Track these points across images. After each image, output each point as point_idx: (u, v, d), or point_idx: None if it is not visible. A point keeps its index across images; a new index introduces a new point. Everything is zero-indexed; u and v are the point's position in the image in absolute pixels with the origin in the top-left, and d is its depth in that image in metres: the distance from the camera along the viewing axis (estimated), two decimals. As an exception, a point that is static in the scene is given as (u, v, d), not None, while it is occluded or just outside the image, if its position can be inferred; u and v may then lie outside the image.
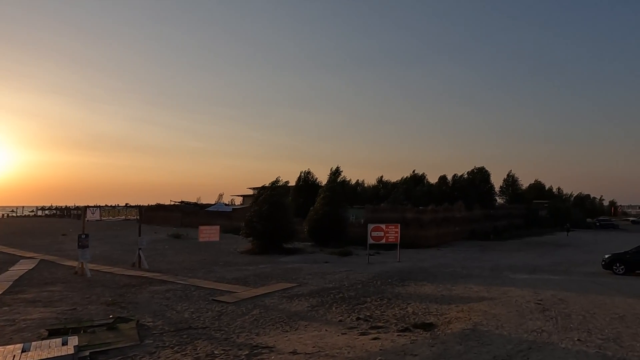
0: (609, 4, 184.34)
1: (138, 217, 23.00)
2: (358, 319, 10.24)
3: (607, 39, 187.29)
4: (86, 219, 19.23)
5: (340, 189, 33.38)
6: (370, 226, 23.06)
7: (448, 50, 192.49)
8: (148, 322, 10.24)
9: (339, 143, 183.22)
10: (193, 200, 59.54)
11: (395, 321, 9.77)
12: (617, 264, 18.13)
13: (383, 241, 23.10)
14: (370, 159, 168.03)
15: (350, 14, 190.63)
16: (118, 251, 26.19)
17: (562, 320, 8.61)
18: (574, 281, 15.42)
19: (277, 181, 28.62)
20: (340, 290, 14.54)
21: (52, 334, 8.58)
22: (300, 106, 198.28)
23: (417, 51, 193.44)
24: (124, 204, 68.65)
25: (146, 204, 62.31)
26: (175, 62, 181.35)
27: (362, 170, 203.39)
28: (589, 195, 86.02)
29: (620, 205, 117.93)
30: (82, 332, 8.84)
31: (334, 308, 11.70)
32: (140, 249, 20.07)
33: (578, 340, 7.17)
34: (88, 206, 19.73)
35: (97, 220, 20.15)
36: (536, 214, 54.62)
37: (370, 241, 22.87)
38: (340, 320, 10.21)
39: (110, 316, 10.55)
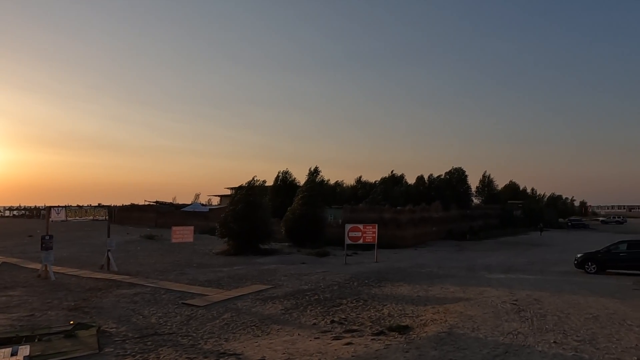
0: (579, 11, 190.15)
1: (106, 217, 21.99)
2: (332, 322, 9.94)
3: (580, 44, 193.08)
4: (50, 219, 18.33)
5: (318, 189, 33.09)
6: (348, 226, 22.85)
7: (424, 54, 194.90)
8: (111, 328, 9.69)
9: (319, 144, 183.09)
10: (168, 200, 58.34)
11: (370, 324, 9.50)
12: (589, 263, 18.40)
13: (360, 241, 22.91)
14: (349, 159, 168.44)
15: (328, 16, 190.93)
16: (87, 253, 25.24)
17: (538, 322, 8.51)
18: (548, 281, 15.52)
19: (253, 181, 28.11)
20: (316, 291, 14.23)
21: (3, 343, 7.95)
22: (279, 106, 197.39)
23: (394, 54, 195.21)
24: (96, 204, 66.66)
25: (120, 204, 60.69)
26: (152, 60, 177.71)
27: (342, 171, 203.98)
28: (561, 195, 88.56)
29: (590, 206, 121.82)
30: (36, 340, 8.24)
31: (308, 311, 11.37)
32: (109, 250, 19.30)
33: (554, 342, 7.05)
34: (52, 206, 18.82)
35: (62, 221, 19.21)
36: (511, 214, 55.65)
37: (348, 241, 22.66)
38: (314, 324, 9.88)
39: (71, 322, 9.94)
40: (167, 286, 15.05)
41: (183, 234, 23.85)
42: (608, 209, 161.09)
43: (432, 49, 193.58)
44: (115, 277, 16.89)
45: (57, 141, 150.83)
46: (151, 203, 53.81)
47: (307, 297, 13.31)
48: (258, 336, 9.09)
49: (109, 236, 20.05)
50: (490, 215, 52.16)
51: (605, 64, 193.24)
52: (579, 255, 19.13)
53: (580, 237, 43.98)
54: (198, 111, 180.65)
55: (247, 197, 26.97)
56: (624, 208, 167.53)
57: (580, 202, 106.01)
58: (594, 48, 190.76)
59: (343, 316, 10.61)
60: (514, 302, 10.66)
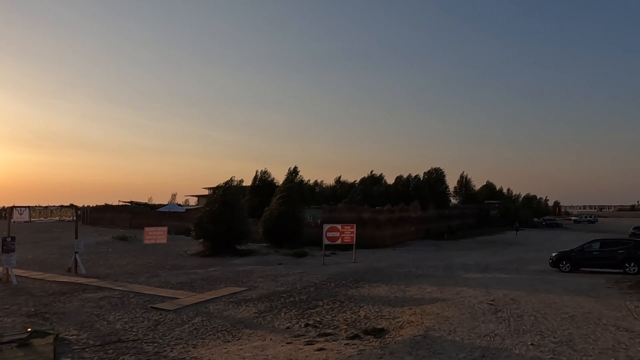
0: (557, 13, 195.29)
1: (74, 217, 21.11)
2: (307, 325, 9.61)
3: (555, 48, 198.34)
4: (12, 220, 17.41)
5: (297, 189, 32.71)
6: (326, 226, 22.55)
7: (407, 54, 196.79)
8: (71, 336, 9.13)
9: (300, 144, 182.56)
10: (144, 200, 56.95)
11: (345, 327, 9.21)
12: (564, 262, 18.59)
13: (339, 242, 22.65)
14: (330, 160, 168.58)
15: (314, 15, 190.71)
16: (55, 255, 24.19)
17: (515, 322, 8.37)
18: (524, 280, 15.56)
19: (230, 180, 27.52)
20: (292, 293, 13.87)
21: (-53, 354, 7.33)
22: (260, 106, 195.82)
23: (377, 54, 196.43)
24: (68, 204, 64.48)
25: (94, 205, 58.88)
26: (129, 57, 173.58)
27: (321, 171, 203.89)
28: (535, 195, 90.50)
29: (563, 206, 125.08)
30: (-15, 350, 7.63)
31: (282, 313, 11.00)
32: (76, 252, 18.48)
33: (532, 344, 6.89)
34: (15, 206, 17.88)
35: (25, 222, 18.29)
36: (488, 213, 56.45)
37: (326, 242, 22.37)
38: (287, 327, 9.53)
39: (28, 329, 9.31)
40: (136, 289, 14.45)
41: (156, 235, 23.11)
42: (580, 208, 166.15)
43: (413, 50, 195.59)
44: (82, 280, 16.15)
45: (28, 140, 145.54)
46: (125, 203, 52.40)
47: (282, 299, 12.95)
48: (228, 342, 8.68)
49: (76, 237, 19.21)
50: (468, 215, 52.79)
51: (578, 71, 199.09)
52: (553, 255, 19.32)
53: (554, 236, 44.88)
54: (175, 110, 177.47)
55: (224, 197, 26.39)
56: (595, 208, 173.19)
57: (554, 202, 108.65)
58: (572, 54, 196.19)
59: (318, 319, 10.29)
60: (491, 302, 10.55)
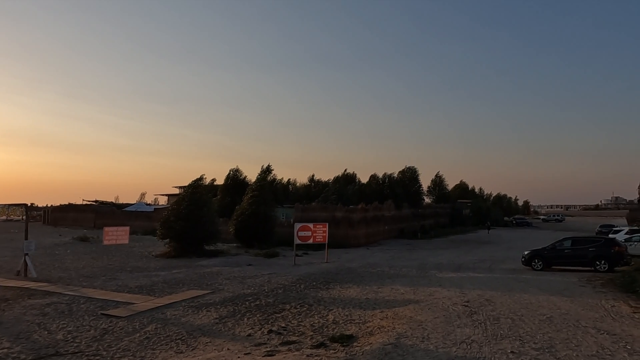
0: (516, 18, 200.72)
1: (23, 217, 19.62)
2: (270, 332, 8.84)
3: (524, 53, 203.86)
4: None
5: (269, 188, 31.81)
6: (297, 225, 21.80)
7: (382, 57, 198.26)
8: (2, 349, 8.05)
9: (273, 143, 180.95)
10: (110, 199, 54.69)
11: (311, 333, 8.49)
12: (536, 260, 18.47)
13: (310, 241, 21.94)
14: (304, 159, 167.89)
15: (285, 16, 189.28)
16: (6, 257, 22.51)
17: (492, 326, 7.86)
18: (497, 279, 15.25)
19: (200, 179, 26.34)
20: (258, 296, 13.07)
21: None
22: (233, 105, 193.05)
23: (349, 57, 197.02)
24: (29, 204, 61.39)
25: (58, 204, 56.15)
26: (101, 53, 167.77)
27: (296, 171, 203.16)
28: (506, 195, 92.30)
29: (532, 205, 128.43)
30: None
31: (245, 319, 10.19)
32: (26, 254, 17.07)
33: (511, 352, 6.36)
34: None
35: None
36: (460, 212, 56.97)
37: (297, 241, 21.61)
38: (249, 335, 8.73)
39: (-49, 344, 8.18)
40: (89, 294, 13.32)
41: (117, 235, 21.82)
42: (547, 208, 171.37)
43: (389, 53, 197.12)
44: (31, 284, 14.85)
45: None
46: (90, 203, 50.10)
47: (247, 302, 12.13)
48: (181, 352, 7.82)
49: (26, 238, 17.78)
50: (441, 214, 53.08)
51: (545, 74, 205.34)
52: (526, 253, 19.20)
53: (524, 235, 45.57)
54: (146, 109, 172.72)
55: (192, 195, 25.26)
56: (561, 207, 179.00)
57: (524, 201, 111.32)
58: (537, 57, 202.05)
59: (283, 324, 9.53)
60: (466, 304, 10.06)
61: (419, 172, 49.07)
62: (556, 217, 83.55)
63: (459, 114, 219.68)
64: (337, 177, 45.03)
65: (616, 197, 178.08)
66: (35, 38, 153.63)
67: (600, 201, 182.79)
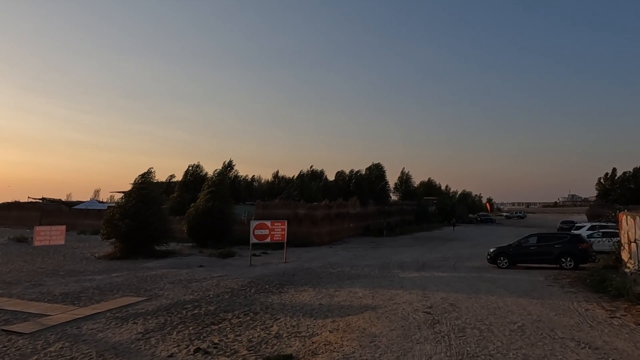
0: (493, 20, 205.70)
1: None
2: (197, 350, 7.38)
3: (491, 50, 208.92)
4: None
5: (226, 183, 30.03)
6: (253, 223, 20.28)
7: (352, 54, 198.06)
8: None
9: (240, 142, 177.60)
10: (59, 197, 51.07)
11: (245, 352, 7.11)
12: (501, 258, 17.77)
13: (268, 240, 20.47)
14: (271, 158, 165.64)
15: (261, 10, 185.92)
16: None
17: (457, 340, 6.71)
18: (462, 279, 14.33)
19: (148, 172, 24.29)
20: (200, 303, 11.55)
21: None
22: (195, 101, 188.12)
23: (323, 52, 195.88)
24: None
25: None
26: (56, 44, 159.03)
27: (263, 170, 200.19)
28: (470, 192, 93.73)
29: (495, 202, 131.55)
30: None
31: (175, 333, 8.66)
32: None
33: (480, 377, 5.21)
34: None
35: None
36: (426, 209, 56.79)
37: (254, 240, 20.11)
38: (170, 356, 7.24)
39: None
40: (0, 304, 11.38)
41: (50, 236, 19.73)
42: (509, 205, 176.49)
43: (358, 50, 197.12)
44: None
45: None
46: (36, 200, 46.50)
47: (184, 311, 10.59)
48: (77, 382, 6.24)
49: None
50: (407, 211, 52.65)
51: (504, 73, 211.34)
52: (491, 250, 18.48)
53: (488, 232, 45.71)
54: (111, 103, 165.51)
55: (140, 191, 23.24)
56: (522, 205, 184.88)
57: (487, 199, 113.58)
58: (503, 54, 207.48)
59: (217, 340, 8.09)
60: (428, 310, 8.93)
61: (386, 169, 48.42)
62: (518, 214, 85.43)
63: (427, 114, 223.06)
64: (302, 173, 43.60)
65: (572, 195, 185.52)
66: None
67: (558, 199, 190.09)
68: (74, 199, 52.09)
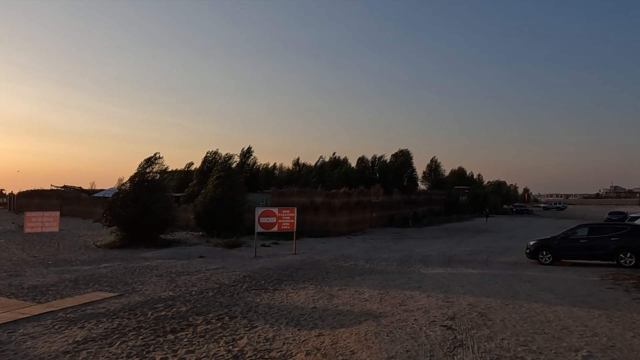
0: (513, 12, 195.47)
1: None
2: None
3: (526, 39, 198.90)
4: None
5: (236, 169, 28.25)
6: (259, 210, 18.30)
7: (378, 46, 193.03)
8: None
9: (266, 132, 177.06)
10: (84, 185, 50.97)
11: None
12: (544, 252, 15.09)
13: (275, 229, 18.47)
14: (298, 148, 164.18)
15: (286, 2, 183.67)
16: None
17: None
18: (496, 277, 11.84)
19: (154, 157, 22.67)
20: (175, 302, 9.68)
21: None
22: (232, 93, 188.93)
23: (351, 44, 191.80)
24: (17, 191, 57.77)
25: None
26: (95, 40, 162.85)
27: (289, 160, 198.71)
28: (504, 182, 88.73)
29: (531, 193, 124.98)
30: None
31: (116, 345, 6.75)
32: None
33: None
34: None
35: None
36: (457, 199, 53.45)
37: (259, 229, 18.16)
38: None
39: None
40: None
41: (42, 222, 18.44)
42: (547, 196, 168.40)
43: (388, 40, 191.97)
44: None
45: None
46: (57, 188, 46.48)
47: (150, 312, 8.73)
48: None
49: None
50: (436, 201, 49.54)
51: (545, 64, 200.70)
52: (531, 243, 15.79)
53: (525, 223, 42.23)
54: (142, 97, 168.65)
55: (143, 176, 21.73)
56: (561, 196, 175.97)
57: (524, 189, 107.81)
58: (538, 49, 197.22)
59: (163, 355, 6.10)
60: (449, 323, 6.63)
61: (413, 156, 45.49)
62: (557, 204, 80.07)
63: (460, 102, 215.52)
64: (323, 160, 41.36)
65: (615, 186, 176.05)
66: (32, 27, 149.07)
67: (600, 190, 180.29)
68: (97, 187, 51.96)
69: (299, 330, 7.07)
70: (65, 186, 46.88)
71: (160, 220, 21.45)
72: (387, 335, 5.93)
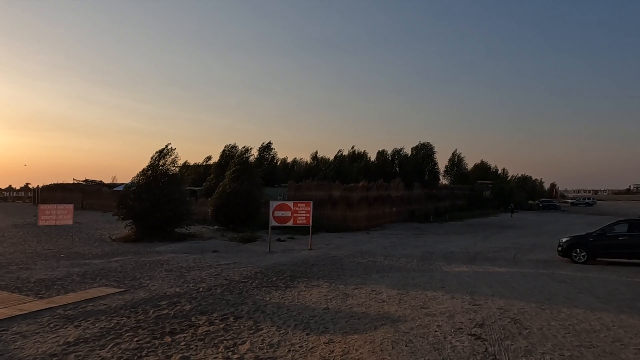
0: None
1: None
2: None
3: (558, 33, 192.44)
4: None
5: (254, 164, 27.74)
6: (273, 204, 17.68)
7: (403, 38, 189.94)
8: None
9: (290, 127, 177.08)
10: (106, 180, 51.58)
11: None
12: (578, 250, 13.98)
13: (290, 223, 17.83)
14: (323, 145, 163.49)
15: (302, 1, 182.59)
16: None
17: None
18: (526, 277, 10.88)
19: (166, 149, 22.33)
20: (180, 299, 9.14)
21: None
22: (250, 89, 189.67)
23: (365, 41, 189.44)
24: (25, 184, 59.20)
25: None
26: (119, 38, 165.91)
27: (307, 154, 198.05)
28: (530, 177, 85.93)
29: (557, 189, 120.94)
30: None
31: (108, 347, 6.20)
32: None
33: None
34: None
35: None
36: (480, 194, 51.81)
37: (274, 223, 17.55)
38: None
39: None
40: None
41: (56, 215, 18.24)
42: (574, 192, 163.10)
43: (401, 37, 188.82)
44: None
45: (14, 121, 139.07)
46: (79, 182, 47.09)
47: (152, 311, 8.19)
48: None
49: None
50: (458, 196, 48.07)
51: (570, 56, 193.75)
52: (564, 240, 14.67)
53: (553, 219, 40.49)
54: (165, 93, 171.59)
55: (155, 168, 21.40)
56: (589, 191, 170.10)
57: (550, 184, 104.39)
58: (560, 43, 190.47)
59: (155, 362, 5.51)
60: (478, 332, 5.81)
61: (435, 150, 44.12)
62: (586, 200, 77.00)
63: (484, 94, 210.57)
64: (341, 153, 40.49)
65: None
66: (60, 24, 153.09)
67: (630, 185, 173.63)
68: (118, 181, 52.50)
69: (307, 335, 6.37)
70: (86, 180, 47.48)
71: (175, 213, 21.09)
72: (405, 345, 5.16)
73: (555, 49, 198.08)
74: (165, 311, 8.24)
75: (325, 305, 8.21)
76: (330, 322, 6.98)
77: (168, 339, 6.56)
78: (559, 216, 45.85)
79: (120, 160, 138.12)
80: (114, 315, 7.99)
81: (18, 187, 61.77)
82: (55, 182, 46.33)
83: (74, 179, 48.08)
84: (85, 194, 42.89)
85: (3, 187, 66.87)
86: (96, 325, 7.35)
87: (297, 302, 8.78)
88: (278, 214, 17.49)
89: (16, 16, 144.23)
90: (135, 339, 6.56)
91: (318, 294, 9.42)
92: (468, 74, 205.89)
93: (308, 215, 17.92)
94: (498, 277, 10.80)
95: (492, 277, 10.69)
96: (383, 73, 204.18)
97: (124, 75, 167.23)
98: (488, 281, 10.05)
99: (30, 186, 55.94)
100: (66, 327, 7.25)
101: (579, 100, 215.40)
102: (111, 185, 47.82)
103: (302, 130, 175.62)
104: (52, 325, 7.40)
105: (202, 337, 6.60)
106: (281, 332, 6.63)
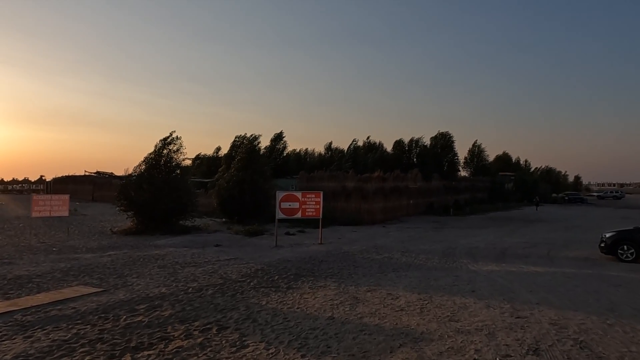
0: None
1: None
2: None
3: (581, 22, 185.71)
4: None
5: (262, 154, 26.38)
6: (280, 195, 16.27)
7: (419, 28, 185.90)
8: None
9: (310, 121, 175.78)
10: (119, 172, 51.05)
11: None
12: (625, 247, 12.22)
13: (298, 215, 16.41)
14: (337, 139, 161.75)
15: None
16: None
17: None
18: (571, 278, 9.22)
19: (171, 137, 21.11)
20: (163, 302, 7.83)
21: None
22: (265, 84, 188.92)
23: (388, 31, 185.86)
24: (40, 177, 59.32)
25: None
26: (137, 34, 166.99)
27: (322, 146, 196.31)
28: (554, 169, 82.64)
29: (582, 181, 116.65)
30: None
31: (51, 369, 4.84)
32: None
33: None
34: None
35: None
36: (502, 187, 49.51)
37: (280, 215, 16.17)
38: None
39: None
40: None
41: (51, 206, 17.20)
42: (599, 185, 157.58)
43: (420, 28, 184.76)
44: None
45: (37, 117, 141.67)
46: (90, 174, 46.62)
47: (124, 317, 6.89)
48: None
49: None
50: (479, 188, 45.94)
51: (594, 49, 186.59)
52: (607, 235, 12.88)
53: (581, 213, 38.17)
54: (182, 88, 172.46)
55: (157, 158, 20.21)
56: (615, 184, 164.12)
57: (575, 176, 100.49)
58: (583, 36, 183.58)
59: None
60: None
61: (455, 139, 42.02)
62: (614, 193, 73.56)
63: (505, 84, 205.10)
64: (356, 144, 38.82)
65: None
66: (79, 20, 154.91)
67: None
68: (130, 173, 52.03)
69: (302, 357, 4.92)
70: (97, 172, 46.98)
71: (178, 205, 19.91)
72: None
73: (581, 36, 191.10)
74: (140, 318, 6.90)
75: (331, 314, 6.76)
76: (333, 338, 5.51)
77: (128, 357, 5.21)
78: (587, 210, 43.38)
79: (135, 154, 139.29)
80: (77, 322, 6.69)
81: (33, 180, 62.07)
82: (67, 175, 45.93)
83: (85, 171, 47.68)
84: (96, 186, 42.34)
85: (20, 180, 67.38)
86: (50, 336, 6.05)
87: (298, 308, 7.35)
88: (285, 205, 16.08)
89: (38, 14, 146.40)
90: (88, 358, 5.22)
91: (323, 298, 7.97)
92: (490, 65, 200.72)
93: (318, 206, 16.47)
94: (537, 278, 9.16)
95: (530, 279, 9.06)
96: (401, 65, 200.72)
97: (143, 70, 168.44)
98: (526, 284, 8.44)
99: (44, 179, 55.96)
100: (13, 339, 5.96)
101: (602, 90, 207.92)
102: (123, 177, 47.23)
103: (316, 124, 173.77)
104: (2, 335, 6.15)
105: (171, 356, 5.22)
106: (270, 351, 5.20)
